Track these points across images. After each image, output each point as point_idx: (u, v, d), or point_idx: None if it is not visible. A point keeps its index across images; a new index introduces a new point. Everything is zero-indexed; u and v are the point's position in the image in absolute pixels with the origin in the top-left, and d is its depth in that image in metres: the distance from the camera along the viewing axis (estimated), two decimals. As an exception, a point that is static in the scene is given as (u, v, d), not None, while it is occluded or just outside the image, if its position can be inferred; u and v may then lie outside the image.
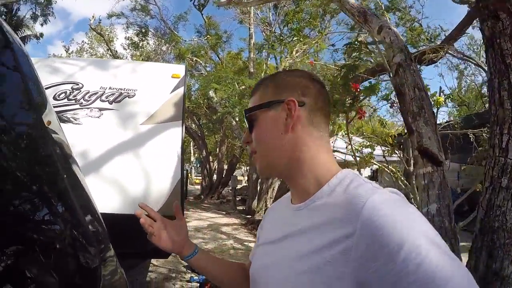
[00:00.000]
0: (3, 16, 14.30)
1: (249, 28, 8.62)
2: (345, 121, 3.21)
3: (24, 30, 15.41)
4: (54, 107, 3.04)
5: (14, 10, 15.06)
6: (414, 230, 0.51)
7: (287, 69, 5.56)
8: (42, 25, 15.08)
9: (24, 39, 15.79)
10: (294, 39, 4.94)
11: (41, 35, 16.75)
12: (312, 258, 0.59)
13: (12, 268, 0.74)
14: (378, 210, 0.53)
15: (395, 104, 2.91)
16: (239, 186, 16.56)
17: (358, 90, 2.60)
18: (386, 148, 3.89)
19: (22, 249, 0.79)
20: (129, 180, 2.69)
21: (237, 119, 7.96)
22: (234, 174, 15.41)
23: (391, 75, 2.42)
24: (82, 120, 2.86)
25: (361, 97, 2.78)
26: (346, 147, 4.25)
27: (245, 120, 0.74)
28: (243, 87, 6.68)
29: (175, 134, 2.80)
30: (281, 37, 5.21)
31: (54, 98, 2.97)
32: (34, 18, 14.87)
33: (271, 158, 0.70)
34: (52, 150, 0.92)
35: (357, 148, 3.80)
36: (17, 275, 0.76)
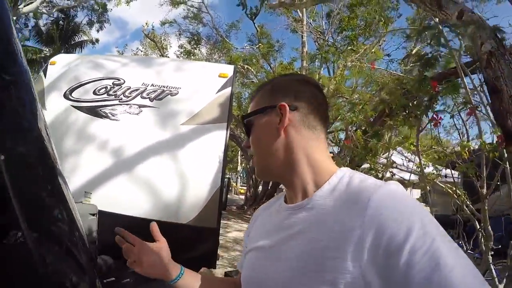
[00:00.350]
0: (61, 22, 15.35)
1: (302, 36, 8.31)
2: (410, 130, 2.71)
3: (81, 35, 16.27)
4: (93, 101, 2.95)
5: (72, 16, 16.01)
6: (419, 221, 0.52)
7: (339, 79, 5.13)
8: (98, 31, 15.99)
9: (81, 44, 16.77)
10: (348, 48, 4.55)
11: (97, 40, 17.66)
12: (316, 257, 0.59)
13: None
14: (384, 204, 0.55)
15: (479, 108, 2.35)
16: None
17: (437, 88, 2.12)
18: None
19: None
20: (163, 184, 2.44)
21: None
22: (280, 186, 14.94)
23: (481, 68, 1.95)
24: (119, 116, 2.65)
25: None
26: (403, 164, 3.71)
27: (243, 126, 0.77)
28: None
29: (219, 137, 2.48)
30: (335, 45, 4.86)
31: (94, 93, 2.83)
32: (90, 24, 15.78)
33: (267, 161, 0.73)
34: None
35: (424, 163, 3.23)
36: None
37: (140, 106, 2.65)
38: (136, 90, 2.75)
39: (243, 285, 0.76)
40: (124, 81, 2.84)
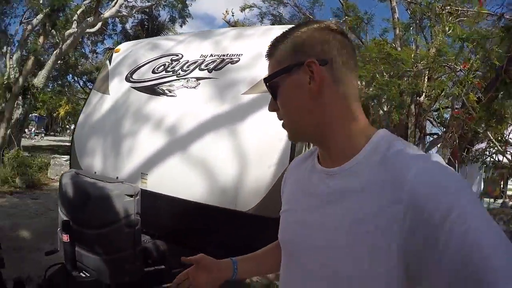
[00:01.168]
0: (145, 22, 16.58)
1: (390, 1, 7.45)
2: None
3: (167, 32, 17.22)
4: (151, 80, 2.73)
5: (155, 16, 17.07)
6: (460, 198, 0.50)
7: (436, 46, 4.25)
8: (181, 26, 16.82)
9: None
10: (445, 10, 3.70)
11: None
12: (353, 228, 0.58)
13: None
14: (424, 180, 0.52)
15: None
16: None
17: None
18: None
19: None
20: (221, 164, 2.06)
21: (385, 108, 6.83)
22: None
23: None
24: (176, 92, 2.39)
25: None
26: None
27: (267, 88, 0.69)
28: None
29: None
30: (429, 8, 4.02)
31: (153, 72, 2.66)
32: (172, 20, 16.73)
33: (299, 125, 0.68)
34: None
35: None
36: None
37: (198, 78, 2.35)
38: (194, 63, 2.46)
39: (282, 245, 0.77)
40: (182, 56, 2.59)
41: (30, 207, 5.78)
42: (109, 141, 2.58)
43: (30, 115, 15.02)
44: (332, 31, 0.66)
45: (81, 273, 2.01)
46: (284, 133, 0.72)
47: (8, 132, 8.54)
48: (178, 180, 2.12)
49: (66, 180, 2.16)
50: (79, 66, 17.50)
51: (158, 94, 2.46)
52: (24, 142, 12.21)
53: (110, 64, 3.07)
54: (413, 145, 0.63)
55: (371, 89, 5.39)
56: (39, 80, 9.41)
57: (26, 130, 17.27)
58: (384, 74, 5.08)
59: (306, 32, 0.66)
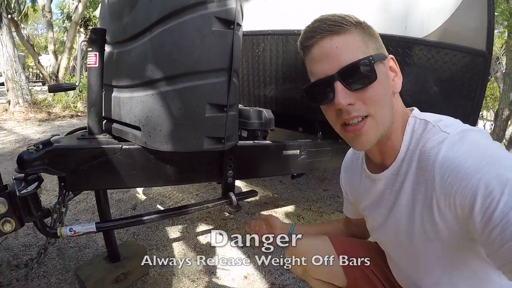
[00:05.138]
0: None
1: None
2: None
3: None
4: None
5: None
6: (484, 178, 0.49)
7: None
8: None
9: None
10: None
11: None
12: (417, 224, 0.65)
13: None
14: (447, 165, 0.55)
15: None
16: None
17: None
18: None
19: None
20: None
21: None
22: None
23: None
24: None
25: None
26: None
27: (347, 71, 0.61)
28: None
29: None
30: None
31: None
32: None
33: (386, 122, 0.64)
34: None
35: None
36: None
37: None
38: None
39: (377, 239, 0.89)
40: None
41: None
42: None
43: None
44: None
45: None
46: None
47: (71, 61, 8.29)
48: None
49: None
50: None
51: None
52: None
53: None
54: (445, 118, 0.64)
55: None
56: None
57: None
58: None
59: (368, 25, 0.65)
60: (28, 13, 10.47)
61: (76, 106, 6.96)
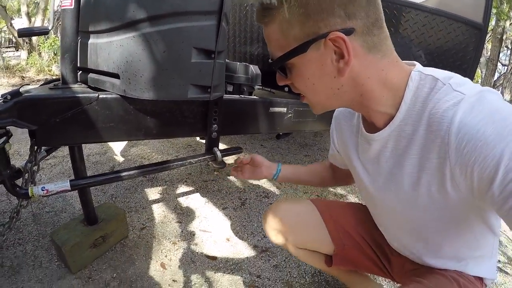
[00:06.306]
0: None
1: None
2: None
3: None
4: None
5: None
6: (509, 148, 0.44)
7: None
8: None
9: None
10: None
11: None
12: (418, 192, 0.60)
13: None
14: (465, 131, 0.48)
15: None
16: None
17: None
18: None
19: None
20: None
21: None
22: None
23: None
24: None
25: None
26: None
27: (277, 71, 0.61)
28: None
29: None
30: None
31: None
32: None
33: (328, 103, 0.61)
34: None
35: None
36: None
37: None
38: None
39: (366, 195, 0.80)
40: None
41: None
42: None
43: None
44: None
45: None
46: None
47: (45, 23, 7.79)
48: None
49: None
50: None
51: None
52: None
53: None
54: (455, 76, 0.55)
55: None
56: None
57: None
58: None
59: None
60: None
61: (51, 69, 6.58)
